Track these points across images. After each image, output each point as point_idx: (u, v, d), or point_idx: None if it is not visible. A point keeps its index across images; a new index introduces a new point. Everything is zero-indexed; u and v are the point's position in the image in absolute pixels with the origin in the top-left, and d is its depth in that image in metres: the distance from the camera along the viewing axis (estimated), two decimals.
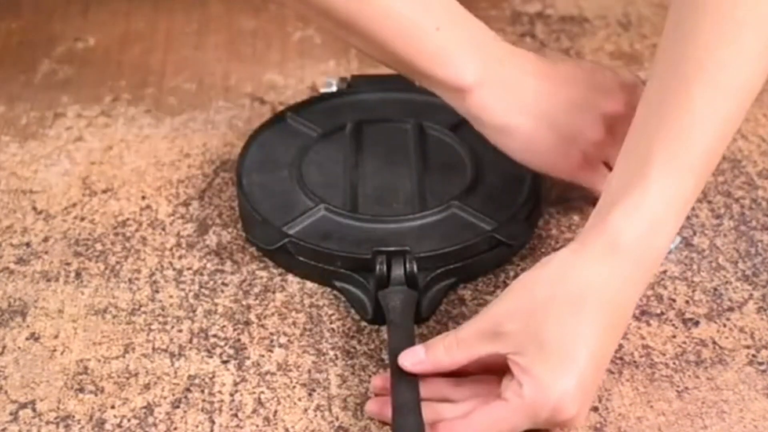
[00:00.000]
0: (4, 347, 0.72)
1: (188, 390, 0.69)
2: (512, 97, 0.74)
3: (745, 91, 0.65)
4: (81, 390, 0.69)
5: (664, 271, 0.78)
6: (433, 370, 0.65)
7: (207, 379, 0.69)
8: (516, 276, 0.77)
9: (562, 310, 0.62)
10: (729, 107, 0.64)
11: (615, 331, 0.64)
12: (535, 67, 0.75)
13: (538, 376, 0.61)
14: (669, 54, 0.66)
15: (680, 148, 0.64)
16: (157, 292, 0.77)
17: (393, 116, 0.87)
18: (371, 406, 0.66)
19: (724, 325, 0.74)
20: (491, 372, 0.65)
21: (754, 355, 0.71)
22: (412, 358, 0.65)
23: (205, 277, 0.77)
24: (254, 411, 0.67)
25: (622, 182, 0.64)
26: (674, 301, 0.76)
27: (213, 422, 0.66)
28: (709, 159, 0.65)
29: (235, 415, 0.67)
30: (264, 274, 0.78)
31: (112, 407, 0.68)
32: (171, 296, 0.76)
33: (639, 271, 0.64)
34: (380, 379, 0.67)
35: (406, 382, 0.64)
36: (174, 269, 0.78)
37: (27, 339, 0.73)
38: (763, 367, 0.70)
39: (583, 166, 0.76)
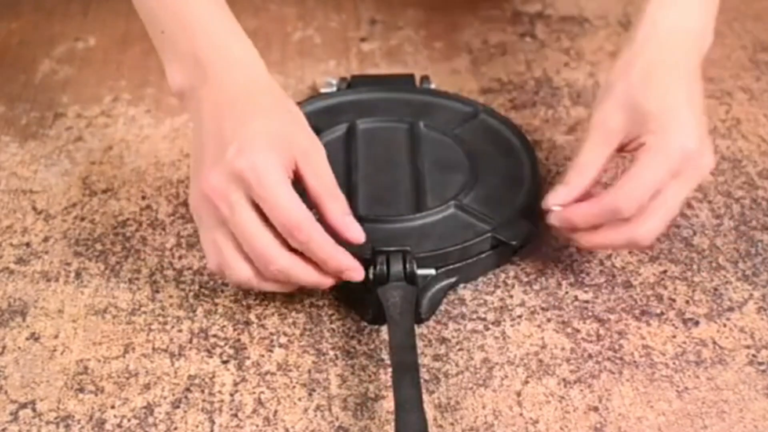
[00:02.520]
0: (4, 347, 0.72)
1: (188, 390, 0.69)
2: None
3: None
4: (81, 390, 0.69)
5: (665, 271, 0.78)
6: (577, 194, 0.73)
7: (207, 379, 0.70)
8: (516, 276, 0.77)
9: (644, 85, 0.73)
10: None
11: (694, 87, 0.74)
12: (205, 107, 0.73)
13: (657, 127, 0.71)
14: None
15: None
16: (157, 292, 0.77)
17: (393, 116, 0.87)
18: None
19: (724, 325, 0.74)
20: None
21: (754, 355, 0.71)
22: (555, 196, 0.73)
23: (205, 277, 0.77)
24: (254, 411, 0.67)
25: None
26: (674, 301, 0.76)
27: (213, 422, 0.66)
28: None
29: (235, 415, 0.67)
30: None
31: (112, 407, 0.68)
32: (171, 296, 0.76)
33: (683, 47, 0.76)
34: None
35: (408, 378, 0.64)
36: (174, 269, 0.78)
37: (27, 339, 0.73)
38: (763, 367, 0.70)
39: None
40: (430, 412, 0.66)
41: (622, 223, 0.71)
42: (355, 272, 0.71)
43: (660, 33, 0.75)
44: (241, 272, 0.70)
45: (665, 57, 0.74)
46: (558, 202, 0.73)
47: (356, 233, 0.71)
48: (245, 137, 0.69)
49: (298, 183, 0.70)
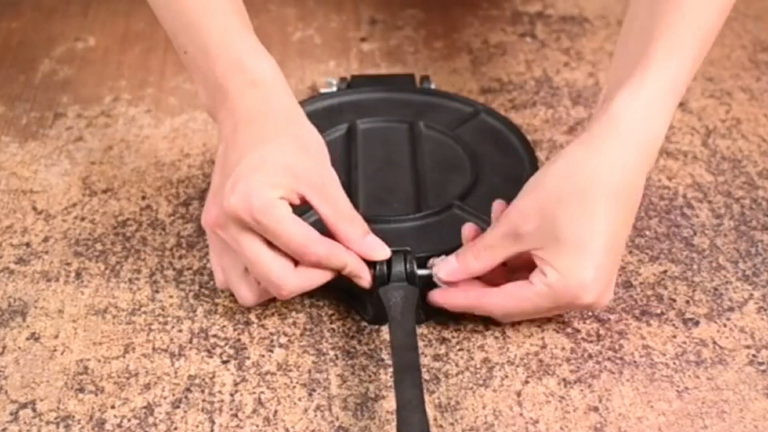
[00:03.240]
0: (4, 347, 0.72)
1: (188, 390, 0.69)
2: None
3: None
4: (81, 390, 0.69)
5: (665, 271, 0.78)
6: (465, 277, 0.70)
7: (207, 379, 0.69)
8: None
9: (572, 205, 0.67)
10: (715, 3, 0.72)
11: (626, 218, 0.68)
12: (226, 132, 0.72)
13: (558, 268, 0.66)
14: None
15: (676, 38, 0.70)
16: (157, 292, 0.77)
17: (393, 116, 0.87)
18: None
19: (724, 325, 0.74)
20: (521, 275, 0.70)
21: (754, 355, 0.71)
22: (446, 268, 0.70)
23: (205, 277, 0.77)
24: (254, 411, 0.67)
25: (623, 71, 0.71)
26: (674, 301, 0.76)
27: (213, 422, 0.66)
28: (700, 50, 0.72)
29: (235, 415, 0.67)
30: None
31: (112, 407, 0.68)
32: (171, 296, 0.76)
33: (640, 153, 0.69)
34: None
35: (410, 379, 0.64)
36: (174, 269, 0.78)
37: (27, 339, 0.73)
38: (763, 367, 0.70)
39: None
40: (430, 412, 0.66)
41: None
42: (365, 281, 0.71)
43: (621, 132, 0.68)
44: (248, 296, 0.71)
45: (614, 171, 0.67)
46: (443, 278, 0.70)
47: (379, 252, 0.71)
48: (243, 170, 0.68)
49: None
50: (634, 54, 0.70)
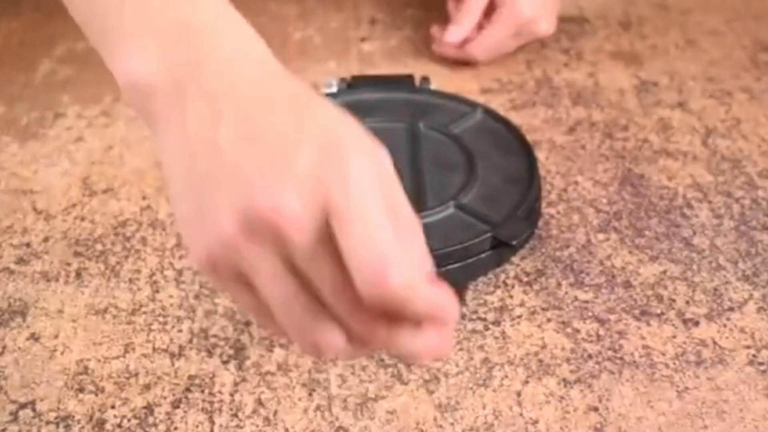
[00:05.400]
0: (4, 347, 0.72)
1: (188, 390, 0.69)
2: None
3: None
4: (81, 390, 0.69)
5: (665, 271, 0.78)
6: (472, 25, 1.02)
7: (207, 379, 0.70)
8: (516, 276, 0.77)
9: None
10: None
11: None
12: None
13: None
14: None
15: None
16: (157, 292, 0.77)
17: (393, 116, 0.87)
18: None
19: (725, 325, 0.74)
20: None
21: (754, 355, 0.71)
22: (456, 34, 1.02)
23: (206, 278, 0.77)
24: (254, 411, 0.67)
25: None
26: (674, 301, 0.76)
27: (213, 422, 0.66)
28: None
29: (235, 415, 0.67)
30: None
31: (112, 407, 0.68)
32: (171, 296, 0.76)
33: None
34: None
35: None
36: (174, 269, 0.78)
37: (27, 339, 0.73)
38: (763, 368, 0.70)
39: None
40: (430, 412, 0.66)
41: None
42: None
43: None
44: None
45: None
46: (455, 40, 1.00)
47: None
48: (257, 194, 0.47)
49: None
50: None
